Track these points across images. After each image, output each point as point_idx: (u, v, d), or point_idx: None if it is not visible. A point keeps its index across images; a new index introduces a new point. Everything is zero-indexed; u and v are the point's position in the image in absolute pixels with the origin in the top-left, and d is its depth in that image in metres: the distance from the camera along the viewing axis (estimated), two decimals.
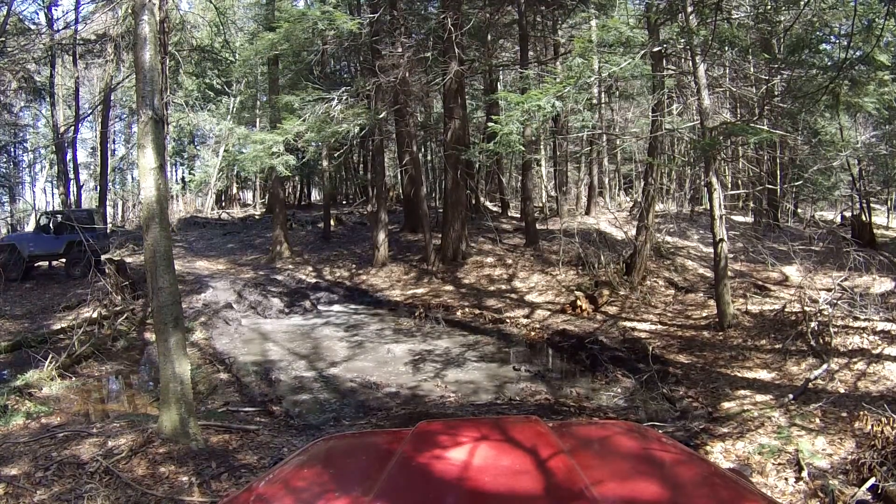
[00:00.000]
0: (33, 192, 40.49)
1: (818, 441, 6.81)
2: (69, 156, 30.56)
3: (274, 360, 12.45)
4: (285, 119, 16.81)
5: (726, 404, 8.49)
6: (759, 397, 8.49)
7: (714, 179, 11.92)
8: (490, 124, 12.32)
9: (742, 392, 8.84)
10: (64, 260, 20.31)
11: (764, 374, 9.47)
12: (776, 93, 14.18)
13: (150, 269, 7.16)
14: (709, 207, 12.80)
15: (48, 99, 29.56)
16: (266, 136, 17.18)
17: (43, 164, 42.77)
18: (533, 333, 13.85)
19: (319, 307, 17.88)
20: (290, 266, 22.41)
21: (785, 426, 7.25)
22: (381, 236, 21.09)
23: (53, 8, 28.15)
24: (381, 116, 18.67)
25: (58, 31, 27.50)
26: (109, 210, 35.32)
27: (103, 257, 19.28)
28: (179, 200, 43.59)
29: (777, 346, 10.42)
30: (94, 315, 14.65)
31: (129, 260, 23.24)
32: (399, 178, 30.62)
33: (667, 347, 11.62)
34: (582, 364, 11.68)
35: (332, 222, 28.24)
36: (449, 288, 18.26)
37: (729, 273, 12.46)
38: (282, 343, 13.83)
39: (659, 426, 7.63)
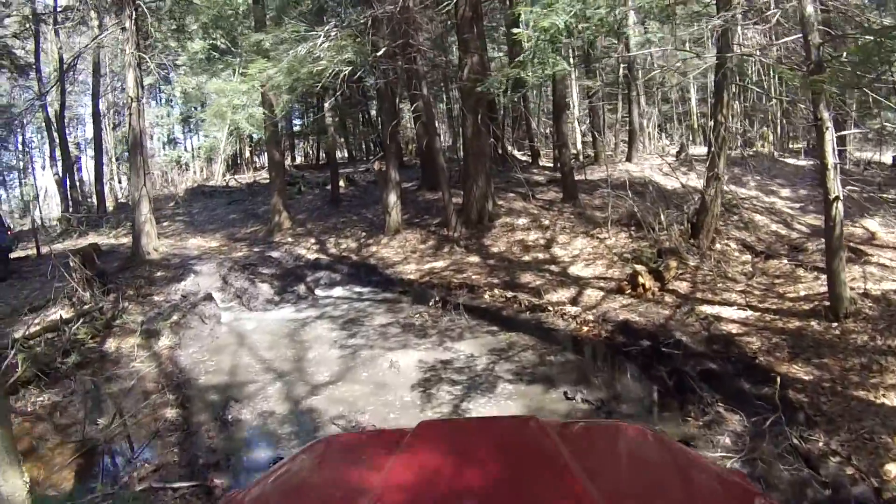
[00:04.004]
0: (33, 175, 38.00)
1: None
2: (67, 134, 28.62)
3: (242, 381, 9.48)
4: (252, 62, 13.55)
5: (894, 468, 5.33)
6: None
7: (826, 114, 8.59)
8: (515, 31, 8.84)
9: None
10: None
11: None
12: None
13: None
14: (817, 151, 9.43)
15: (34, 75, 26.90)
16: (226, 86, 13.95)
17: (43, 146, 40.28)
18: (585, 329, 10.51)
19: (317, 292, 14.85)
20: (290, 239, 19.49)
21: None
22: (392, 198, 17.88)
23: None
24: (379, 53, 15.28)
25: None
26: (107, 189, 32.73)
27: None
28: (192, 169, 41.06)
29: None
30: (57, 316, 12.20)
31: (109, 241, 20.93)
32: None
33: (772, 351, 8.30)
34: (661, 384, 8.34)
35: (341, 184, 25.12)
36: (474, 259, 15.10)
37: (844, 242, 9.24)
38: (260, 351, 10.86)
39: None
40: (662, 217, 13.73)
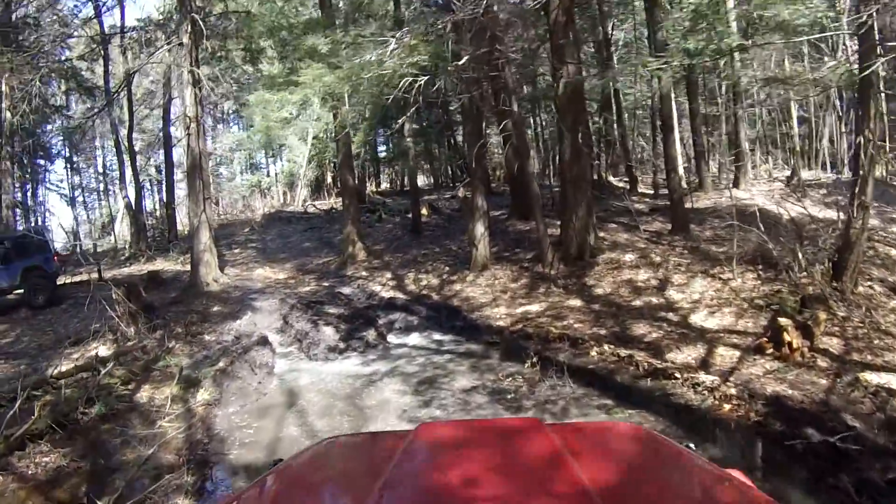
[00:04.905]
0: (110, 198, 37.68)
1: None
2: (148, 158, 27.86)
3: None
4: (304, 70, 11.54)
5: None
6: None
7: None
8: None
9: None
10: (21, 290, 16.98)
11: None
12: None
13: None
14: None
15: (104, 97, 26.35)
16: (271, 97, 11.95)
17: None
18: (727, 407, 7.81)
19: (389, 338, 12.71)
20: (364, 273, 17.53)
21: None
22: (480, 229, 15.63)
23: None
24: (461, 62, 13.16)
25: (105, 10, 24.83)
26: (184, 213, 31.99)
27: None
28: (273, 194, 40.15)
29: None
30: (95, 353, 11.21)
31: (175, 268, 19.77)
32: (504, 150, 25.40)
33: None
34: (842, 499, 5.77)
35: (423, 211, 23.23)
36: (574, 302, 12.67)
37: None
38: (310, 418, 8.74)
39: None
40: (800, 255, 11.03)
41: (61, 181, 36.98)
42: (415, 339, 12.67)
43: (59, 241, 31.00)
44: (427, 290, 15.39)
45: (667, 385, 8.64)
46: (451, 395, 9.06)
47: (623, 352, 9.86)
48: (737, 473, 2.43)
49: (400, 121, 16.45)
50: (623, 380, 9.13)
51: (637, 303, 12.06)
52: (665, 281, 12.70)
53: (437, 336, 12.64)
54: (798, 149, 27.96)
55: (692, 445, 2.64)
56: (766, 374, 8.36)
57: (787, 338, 8.71)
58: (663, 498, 2.02)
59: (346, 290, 15.73)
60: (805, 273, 10.73)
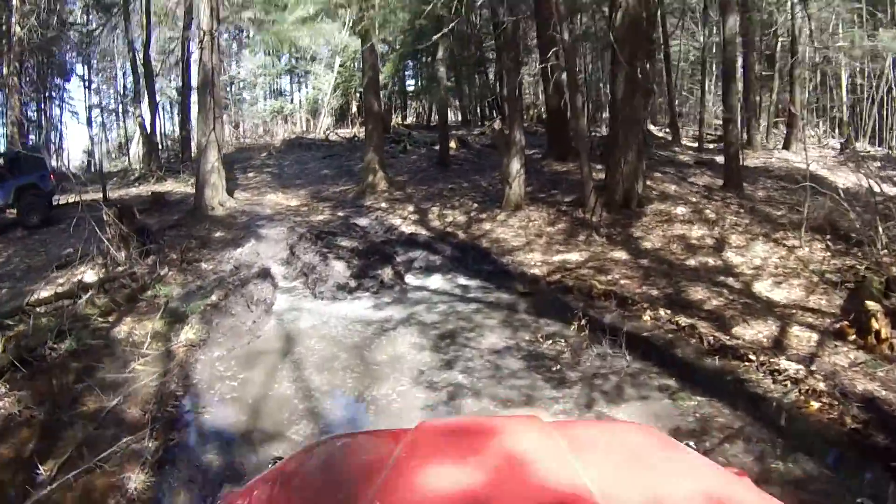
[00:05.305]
0: (126, 118, 36.63)
1: None
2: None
3: (264, 431, 5.95)
4: None
5: None
6: None
7: None
8: None
9: None
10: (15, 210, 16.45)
11: None
12: None
13: None
14: None
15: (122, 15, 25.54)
16: None
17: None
18: (816, 405, 6.16)
19: (408, 279, 11.17)
20: (384, 204, 16.09)
21: None
22: (516, 166, 14.05)
23: None
24: None
25: None
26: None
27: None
28: (295, 121, 38.77)
29: None
30: (81, 278, 10.53)
31: (185, 190, 18.68)
32: (541, 89, 23.51)
33: None
34: None
35: (451, 145, 21.58)
36: (620, 255, 11.19)
37: None
38: (307, 372, 7.36)
39: None
40: (880, 229, 9.34)
41: (72, 99, 36.15)
42: (437, 281, 11.16)
43: (75, 160, 30.27)
44: (452, 228, 13.89)
45: (738, 367, 7.10)
46: (478, 356, 7.54)
47: (682, 320, 8.36)
48: (737, 473, 2.36)
49: (435, 37, 14.79)
50: (685, 355, 7.59)
51: (691, 262, 10.67)
52: (721, 241, 11.34)
53: (462, 280, 11.11)
54: (846, 118, 26.55)
55: (692, 444, 2.56)
56: (851, 365, 6.92)
57: (874, 325, 7.35)
58: (664, 497, 1.88)
59: (362, 222, 14.32)
60: (886, 251, 9.13)
